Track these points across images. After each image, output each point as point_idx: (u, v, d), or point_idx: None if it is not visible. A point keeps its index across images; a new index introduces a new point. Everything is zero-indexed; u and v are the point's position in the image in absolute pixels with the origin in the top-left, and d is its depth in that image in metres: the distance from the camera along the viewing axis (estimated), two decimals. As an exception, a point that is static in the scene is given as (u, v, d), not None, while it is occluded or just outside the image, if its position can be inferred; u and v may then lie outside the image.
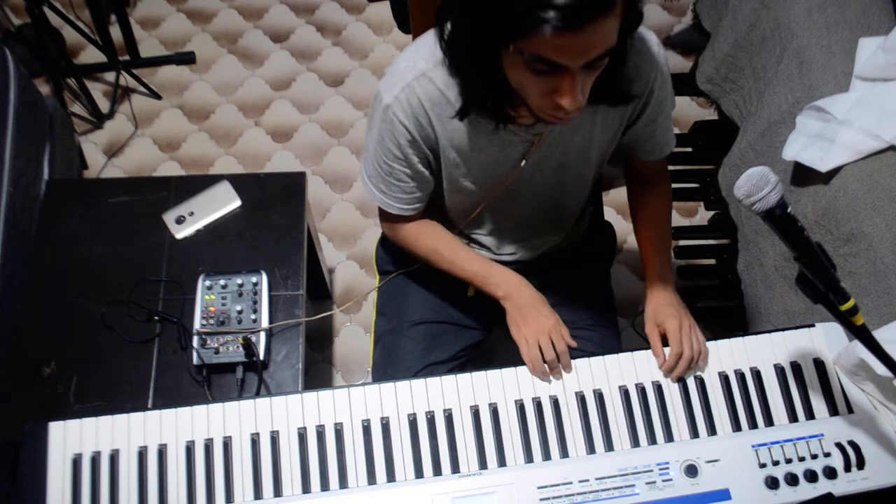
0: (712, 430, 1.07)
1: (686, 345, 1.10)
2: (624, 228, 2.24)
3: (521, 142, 1.11)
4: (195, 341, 1.35)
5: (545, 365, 1.11)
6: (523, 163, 1.14)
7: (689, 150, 2.35)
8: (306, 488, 1.02)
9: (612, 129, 1.16)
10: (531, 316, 1.16)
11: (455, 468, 1.04)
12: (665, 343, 1.13)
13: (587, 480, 1.02)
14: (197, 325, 1.36)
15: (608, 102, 1.07)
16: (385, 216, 1.27)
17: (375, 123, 1.11)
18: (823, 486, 1.02)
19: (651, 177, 1.32)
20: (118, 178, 2.26)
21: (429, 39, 1.05)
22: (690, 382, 1.10)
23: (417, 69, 1.04)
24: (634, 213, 1.34)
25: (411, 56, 1.06)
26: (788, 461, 1.03)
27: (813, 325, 1.14)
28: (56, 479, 1.02)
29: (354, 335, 2.09)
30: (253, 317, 1.38)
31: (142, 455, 1.03)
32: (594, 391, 1.09)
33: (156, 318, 1.41)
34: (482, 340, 1.43)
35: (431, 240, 1.27)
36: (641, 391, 1.09)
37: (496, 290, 1.21)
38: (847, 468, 1.03)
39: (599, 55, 0.85)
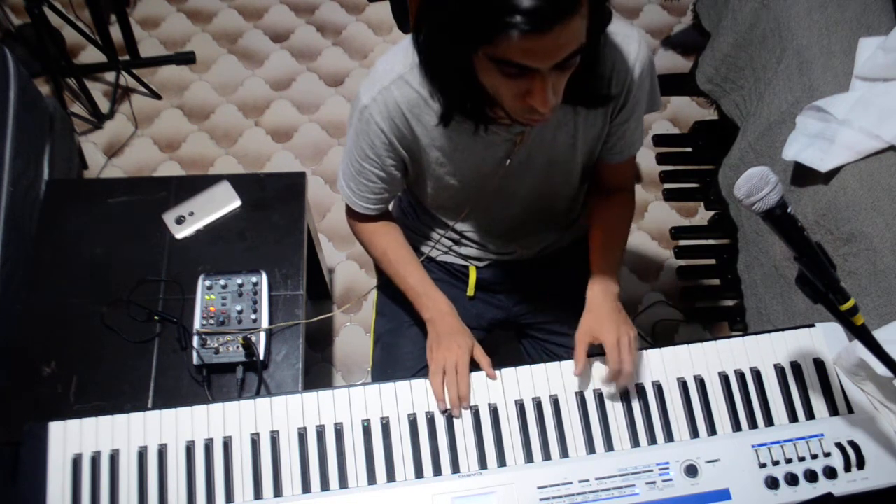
0: (712, 430, 1.07)
1: (626, 361, 1.08)
2: (624, 228, 2.24)
3: (504, 141, 1.12)
4: (195, 341, 1.35)
5: (446, 393, 1.09)
6: (508, 162, 1.15)
7: (689, 150, 2.35)
8: (306, 488, 1.02)
9: (597, 126, 1.15)
10: (444, 343, 1.16)
11: (455, 468, 1.04)
12: (593, 353, 1.12)
13: (587, 480, 1.01)
14: (197, 325, 1.36)
15: (585, 105, 1.07)
16: (349, 209, 1.28)
17: (353, 123, 1.13)
18: (823, 486, 1.02)
19: (615, 184, 1.29)
20: (118, 178, 2.26)
21: (406, 43, 1.06)
22: (690, 382, 1.10)
23: (395, 72, 1.06)
24: (591, 219, 1.30)
25: (389, 60, 1.08)
26: (788, 461, 1.03)
27: (813, 325, 1.14)
28: (56, 479, 1.02)
29: (354, 335, 2.09)
30: (253, 317, 1.38)
31: (142, 455, 1.03)
32: (594, 391, 1.09)
33: (156, 318, 1.41)
34: (482, 340, 1.42)
35: (385, 242, 1.28)
36: (642, 391, 1.09)
37: (424, 311, 1.23)
38: (847, 468, 1.03)
39: (568, 55, 0.86)
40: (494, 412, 1.08)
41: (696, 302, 2.15)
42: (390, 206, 1.33)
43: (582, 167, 1.23)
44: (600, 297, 1.17)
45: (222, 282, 1.41)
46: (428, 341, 1.20)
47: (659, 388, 1.09)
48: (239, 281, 1.41)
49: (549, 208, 1.31)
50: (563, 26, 0.81)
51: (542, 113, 0.91)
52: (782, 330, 1.14)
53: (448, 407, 1.08)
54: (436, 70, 1.00)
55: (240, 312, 1.38)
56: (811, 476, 1.02)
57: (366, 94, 1.08)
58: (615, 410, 1.08)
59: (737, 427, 1.07)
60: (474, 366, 1.13)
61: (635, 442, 1.06)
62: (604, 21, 0.94)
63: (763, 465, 1.03)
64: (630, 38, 1.06)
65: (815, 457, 1.03)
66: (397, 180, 1.20)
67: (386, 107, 1.07)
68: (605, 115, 1.14)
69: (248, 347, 1.33)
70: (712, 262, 2.17)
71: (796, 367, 1.11)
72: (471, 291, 1.41)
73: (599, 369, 1.11)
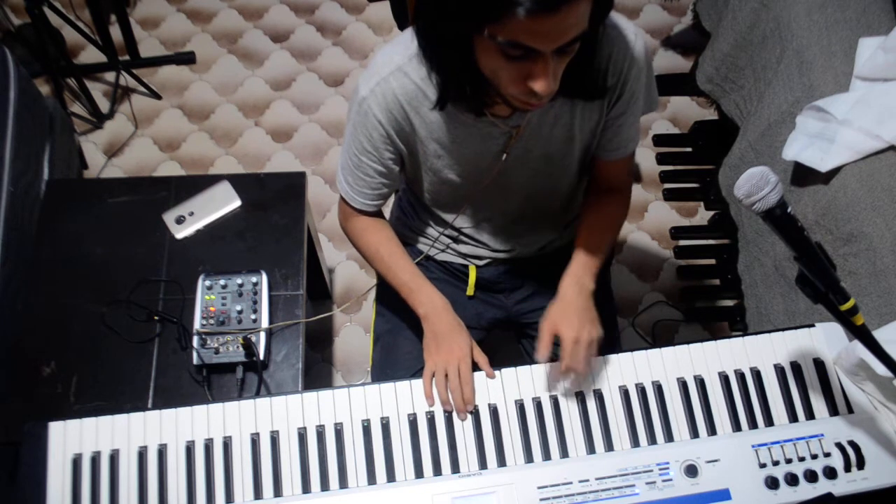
0: (712, 430, 1.07)
1: (579, 360, 1.08)
2: (624, 228, 2.24)
3: (501, 134, 1.12)
4: (195, 341, 1.35)
5: (448, 394, 1.09)
6: (504, 156, 1.15)
7: (689, 150, 2.35)
8: (306, 488, 1.02)
9: (594, 120, 1.15)
10: (444, 344, 1.14)
11: (455, 468, 1.04)
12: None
13: (587, 480, 1.02)
14: (197, 325, 1.36)
15: (582, 97, 1.07)
16: (343, 205, 1.28)
17: (351, 116, 1.13)
18: (823, 486, 1.02)
19: (610, 184, 1.28)
20: (118, 178, 2.26)
21: (406, 35, 1.06)
22: (690, 382, 1.10)
23: (393, 64, 1.06)
24: (581, 215, 1.29)
25: (388, 51, 1.08)
26: (788, 461, 1.03)
27: (813, 325, 1.14)
28: (56, 479, 1.02)
29: (354, 335, 2.09)
30: (253, 317, 1.38)
31: (142, 455, 1.03)
32: (594, 391, 1.09)
33: (156, 318, 1.41)
34: (482, 340, 1.42)
35: (376, 239, 1.27)
36: (641, 391, 1.09)
37: (419, 307, 1.21)
38: (847, 468, 1.03)
39: (572, 39, 0.86)
40: (494, 412, 1.08)
41: (696, 302, 2.15)
42: (389, 208, 1.33)
43: (579, 162, 1.23)
44: (573, 290, 1.16)
45: (222, 282, 1.41)
46: (425, 340, 1.19)
47: (659, 388, 1.09)
48: (239, 281, 1.41)
49: (546, 204, 1.31)
50: (570, 8, 0.81)
51: (540, 97, 0.91)
52: (782, 330, 1.14)
53: (442, 407, 1.08)
54: (435, 50, 1.00)
55: (240, 312, 1.38)
56: (811, 476, 1.02)
57: (364, 85, 1.08)
58: (615, 410, 1.08)
59: (737, 427, 1.07)
60: (473, 366, 1.13)
61: (635, 442, 1.06)
62: (606, 7, 0.94)
63: (763, 465, 1.03)
64: (626, 30, 1.07)
65: (815, 457, 1.03)
66: (395, 175, 1.20)
67: (384, 98, 1.07)
68: (602, 107, 1.14)
69: (248, 347, 1.33)
70: (712, 262, 2.17)
71: (796, 367, 1.11)
72: (470, 291, 1.41)
73: (595, 368, 1.11)
